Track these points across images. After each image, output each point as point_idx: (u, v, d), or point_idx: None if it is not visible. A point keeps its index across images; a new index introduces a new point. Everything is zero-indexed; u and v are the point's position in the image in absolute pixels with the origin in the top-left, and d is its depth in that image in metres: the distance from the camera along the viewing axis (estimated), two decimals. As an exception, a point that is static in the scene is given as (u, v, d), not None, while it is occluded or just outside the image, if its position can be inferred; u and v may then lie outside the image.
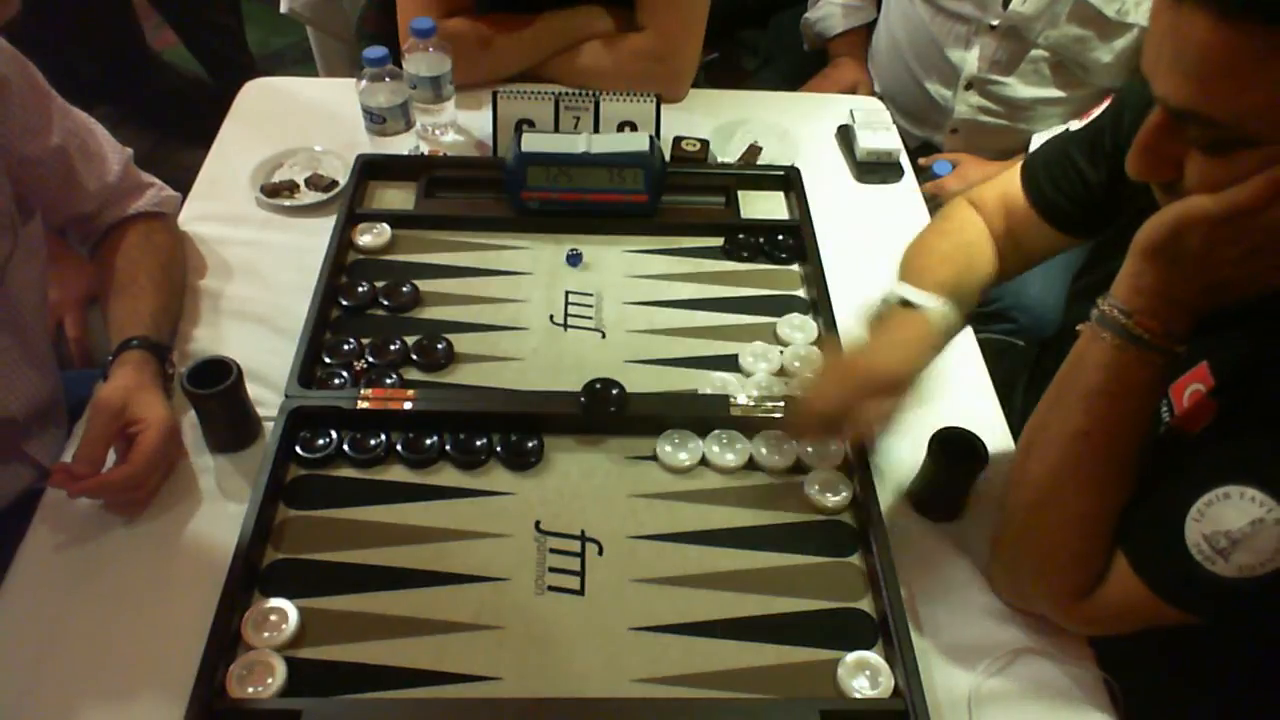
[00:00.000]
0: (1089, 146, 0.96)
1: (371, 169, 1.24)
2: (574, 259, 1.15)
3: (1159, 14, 0.63)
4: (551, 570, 0.86)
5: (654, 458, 0.95)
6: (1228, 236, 0.66)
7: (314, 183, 1.24)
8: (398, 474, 0.93)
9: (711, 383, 1.02)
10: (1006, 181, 1.06)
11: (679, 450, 0.95)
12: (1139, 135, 0.68)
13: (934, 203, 1.43)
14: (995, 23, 1.51)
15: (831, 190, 1.30)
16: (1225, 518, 0.68)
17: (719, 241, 1.19)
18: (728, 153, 1.32)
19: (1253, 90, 0.59)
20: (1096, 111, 0.98)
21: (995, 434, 0.99)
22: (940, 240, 1.05)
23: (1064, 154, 0.98)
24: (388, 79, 1.23)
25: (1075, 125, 1.00)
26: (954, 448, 0.89)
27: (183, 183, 1.21)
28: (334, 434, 0.94)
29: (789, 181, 1.26)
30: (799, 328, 1.09)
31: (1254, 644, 0.90)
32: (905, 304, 0.94)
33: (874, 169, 1.34)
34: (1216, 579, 0.69)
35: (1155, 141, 0.67)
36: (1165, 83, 0.63)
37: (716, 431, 0.97)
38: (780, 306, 1.12)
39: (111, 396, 0.88)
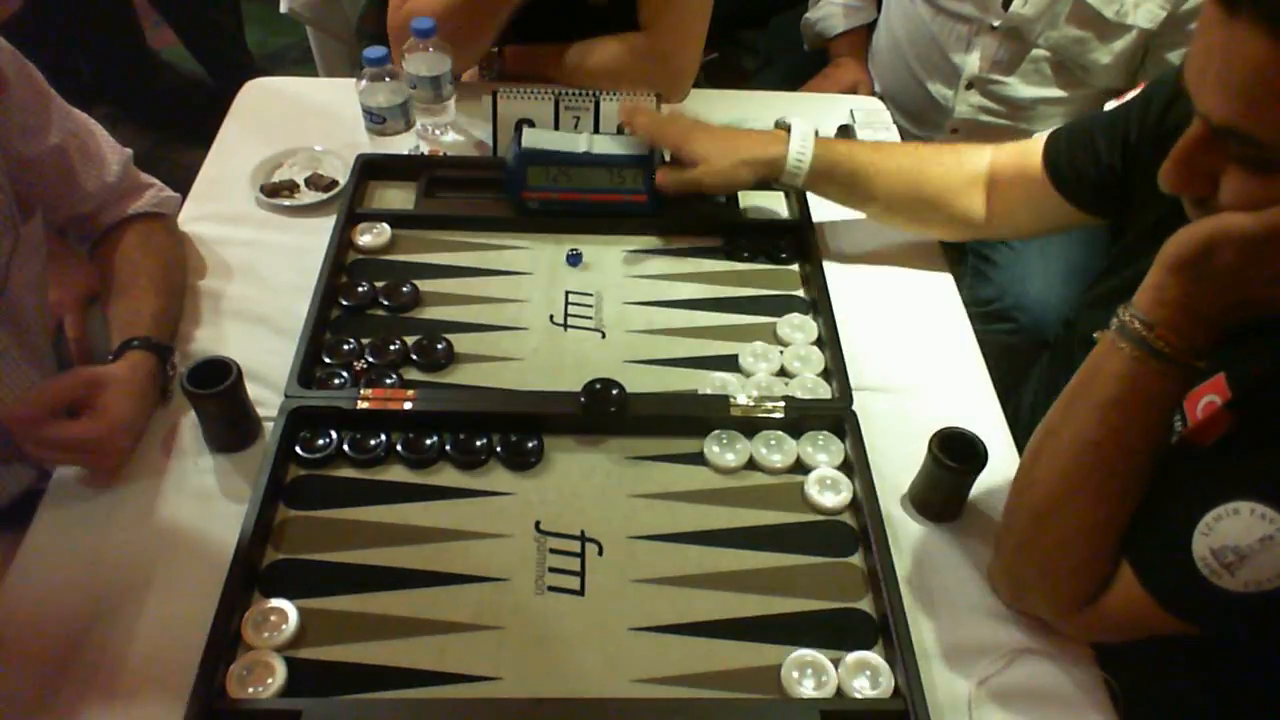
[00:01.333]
0: (1110, 129, 0.96)
1: (371, 169, 1.24)
2: (574, 259, 1.15)
3: (1208, 29, 0.62)
4: (551, 570, 0.86)
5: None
6: (1261, 257, 0.65)
7: (314, 183, 1.24)
8: (398, 474, 0.93)
9: (711, 383, 1.02)
10: (1028, 146, 1.07)
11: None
12: (1176, 148, 0.67)
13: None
14: (996, 23, 1.51)
15: (832, 190, 1.30)
16: (1234, 533, 0.67)
17: (719, 241, 1.19)
18: (728, 153, 1.32)
19: None
20: (1131, 94, 0.98)
21: (995, 434, 0.99)
22: (928, 154, 1.14)
23: (1087, 130, 0.99)
24: (388, 79, 1.23)
25: (1111, 105, 1.01)
26: (954, 448, 0.88)
27: (183, 183, 1.21)
28: (334, 434, 0.94)
29: (789, 181, 1.26)
30: (799, 328, 1.09)
31: (1255, 645, 0.90)
32: (782, 128, 1.10)
33: (874, 169, 1.33)
34: (1222, 593, 0.69)
35: (1193, 156, 0.66)
36: (1210, 99, 0.62)
37: (716, 431, 0.97)
38: (780, 306, 1.12)
39: (98, 372, 0.89)
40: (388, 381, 0.99)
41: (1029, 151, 1.05)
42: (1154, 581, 0.74)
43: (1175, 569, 0.71)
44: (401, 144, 1.28)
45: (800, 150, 1.09)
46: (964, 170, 1.10)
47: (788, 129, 1.11)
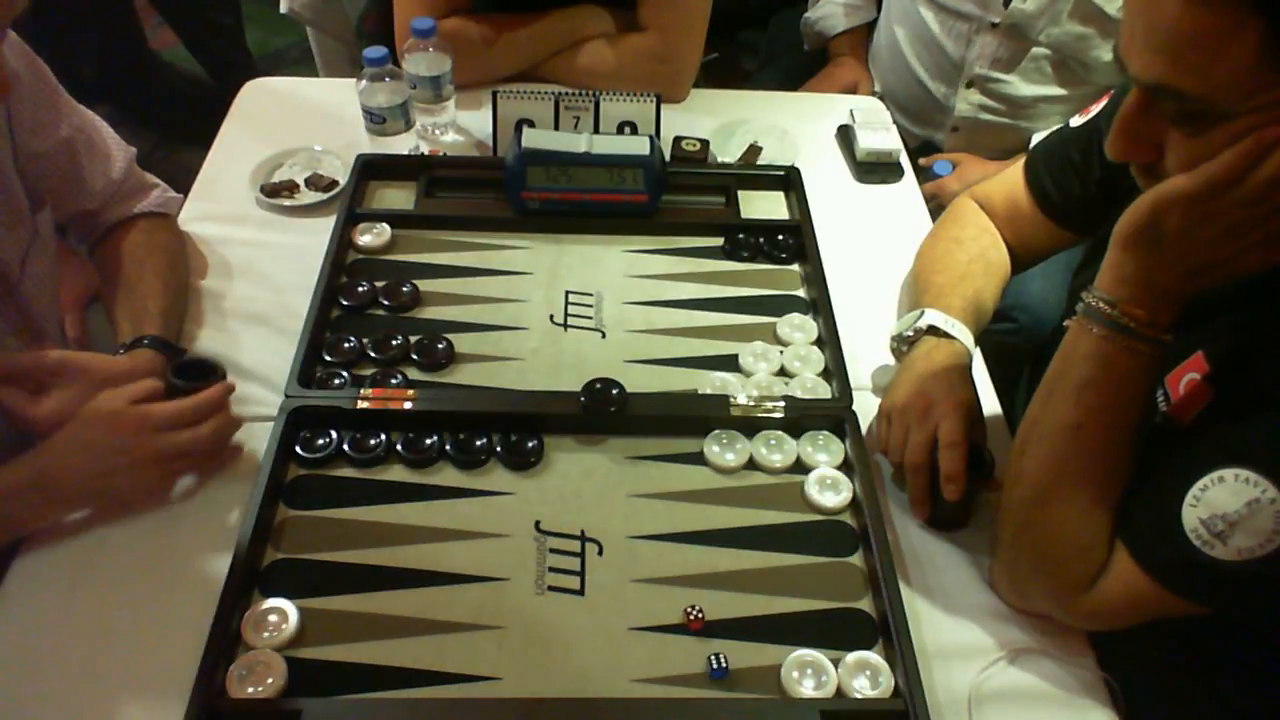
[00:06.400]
0: (1085, 144, 0.98)
1: (371, 169, 1.24)
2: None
3: None
4: (551, 570, 0.86)
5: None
6: (1204, 215, 0.67)
7: (314, 183, 1.24)
8: (398, 474, 0.93)
9: (711, 383, 1.02)
10: (1011, 178, 1.08)
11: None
12: (1117, 116, 0.69)
13: (934, 203, 1.43)
14: (997, 20, 1.51)
15: (831, 190, 1.30)
16: (1221, 501, 0.69)
17: (719, 241, 1.19)
18: (728, 153, 1.32)
19: (1220, 63, 0.61)
20: (1095, 108, 0.99)
21: (996, 434, 0.99)
22: (957, 250, 1.07)
23: (1063, 151, 1.00)
24: (388, 79, 1.23)
25: (1075, 121, 1.02)
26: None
27: (183, 183, 1.21)
28: (334, 434, 0.94)
29: (789, 181, 1.26)
30: (799, 328, 1.09)
31: (1254, 642, 0.90)
32: (934, 331, 0.97)
33: (874, 169, 1.34)
34: (1216, 564, 0.69)
35: (1132, 121, 0.69)
36: (1139, 60, 0.65)
37: (716, 431, 0.97)
38: (780, 306, 1.12)
39: (73, 360, 0.88)
40: (392, 382, 0.99)
41: (1012, 185, 1.07)
42: (1149, 559, 0.74)
43: (1169, 544, 0.72)
44: (401, 144, 1.28)
45: (967, 338, 0.99)
46: (989, 254, 1.07)
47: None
